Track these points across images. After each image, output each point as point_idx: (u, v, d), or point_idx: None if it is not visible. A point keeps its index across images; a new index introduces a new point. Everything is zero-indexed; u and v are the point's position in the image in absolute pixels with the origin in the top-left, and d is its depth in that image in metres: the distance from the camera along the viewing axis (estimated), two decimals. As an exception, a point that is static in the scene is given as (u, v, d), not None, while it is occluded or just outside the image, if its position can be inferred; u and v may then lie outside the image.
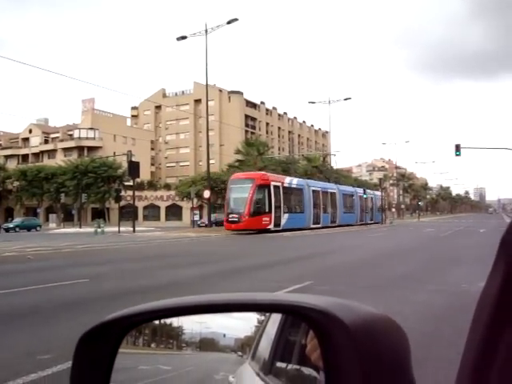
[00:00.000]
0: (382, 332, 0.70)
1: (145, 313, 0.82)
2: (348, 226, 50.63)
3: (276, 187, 39.64)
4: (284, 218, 40.17)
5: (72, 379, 0.77)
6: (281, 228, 39.18)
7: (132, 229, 45.67)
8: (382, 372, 0.65)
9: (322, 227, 45.88)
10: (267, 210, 38.20)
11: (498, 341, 0.48)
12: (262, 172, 43.13)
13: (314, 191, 46.75)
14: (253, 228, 37.09)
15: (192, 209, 62.21)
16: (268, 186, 38.64)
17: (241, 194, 37.51)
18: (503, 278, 0.48)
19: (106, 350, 0.80)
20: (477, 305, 0.52)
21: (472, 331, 0.52)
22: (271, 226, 38.31)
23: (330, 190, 51.30)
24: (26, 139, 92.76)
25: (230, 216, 37.80)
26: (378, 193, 71.63)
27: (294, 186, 43.84)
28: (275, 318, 0.81)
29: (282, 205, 40.16)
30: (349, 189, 59.80)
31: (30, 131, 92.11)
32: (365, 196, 60.87)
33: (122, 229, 46.20)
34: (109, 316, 0.79)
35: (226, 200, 39.89)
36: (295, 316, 0.77)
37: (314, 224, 45.08)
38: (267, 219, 38.04)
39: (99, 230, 44.45)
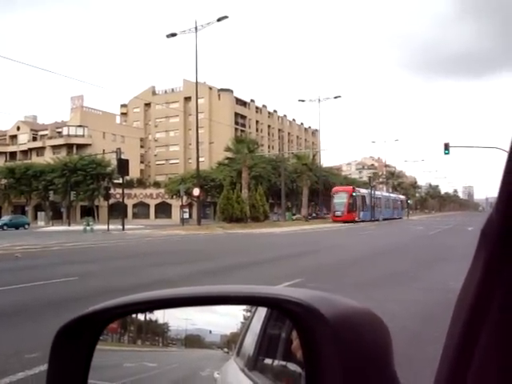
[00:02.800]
0: (363, 326, 0.69)
1: (123, 306, 0.80)
2: (387, 219, 71.11)
3: (358, 196, 63.82)
4: (361, 214, 63.60)
5: (49, 375, 0.75)
6: (359, 220, 61.24)
7: (121, 227, 45.50)
8: (363, 365, 0.65)
9: (374, 220, 65.34)
10: (354, 209, 61.84)
11: (478, 333, 0.48)
12: (351, 186, 68.70)
13: (371, 197, 69.54)
14: (347, 220, 58.10)
15: (181, 207, 62.05)
16: (351, 195, 62.29)
17: (341, 199, 61.44)
18: (483, 268, 0.49)
19: (84, 344, 0.78)
20: (458, 297, 0.53)
21: (452, 324, 0.53)
22: (356, 219, 60.78)
23: (378, 196, 74.68)
24: (14, 136, 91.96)
25: (336, 213, 61.42)
26: (402, 196, 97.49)
27: (364, 194, 68.12)
28: (260, 314, 0.80)
29: (360, 206, 64.32)
30: (386, 194, 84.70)
31: (18, 128, 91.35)
32: (393, 198, 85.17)
33: (111, 227, 45.98)
34: (87, 309, 0.78)
35: (332, 203, 63.59)
36: (274, 309, 0.76)
37: (371, 218, 65.68)
38: (354, 214, 61.11)
39: (88, 228, 44.23)
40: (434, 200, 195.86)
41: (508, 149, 0.46)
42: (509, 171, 0.47)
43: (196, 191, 47.50)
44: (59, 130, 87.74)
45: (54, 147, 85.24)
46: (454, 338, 0.51)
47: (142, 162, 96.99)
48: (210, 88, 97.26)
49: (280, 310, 0.74)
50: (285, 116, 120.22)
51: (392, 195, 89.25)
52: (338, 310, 0.69)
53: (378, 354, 0.67)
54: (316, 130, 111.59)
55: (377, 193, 75.61)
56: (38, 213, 74.02)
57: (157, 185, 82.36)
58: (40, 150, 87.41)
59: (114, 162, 55.17)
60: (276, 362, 0.77)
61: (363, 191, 69.07)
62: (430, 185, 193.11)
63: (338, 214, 60.83)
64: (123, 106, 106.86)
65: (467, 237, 26.63)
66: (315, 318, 0.66)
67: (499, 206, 0.48)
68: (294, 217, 75.33)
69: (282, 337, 0.77)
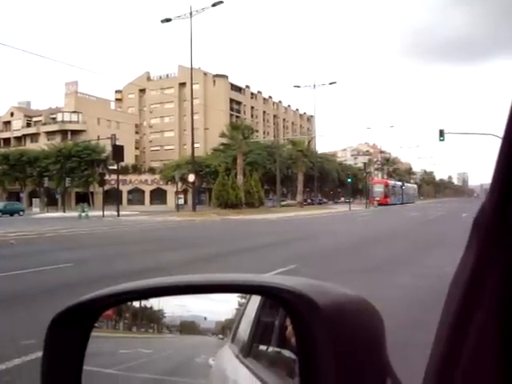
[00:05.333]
0: (356, 313, 0.69)
1: (118, 294, 0.80)
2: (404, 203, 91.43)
3: (389, 185, 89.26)
4: (390, 199, 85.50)
5: (44, 362, 0.75)
6: (391, 203, 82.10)
7: (116, 213, 45.48)
8: (355, 353, 0.65)
9: (395, 204, 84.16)
10: (387, 195, 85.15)
11: (469, 323, 0.49)
12: (385, 179, 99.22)
13: (397, 186, 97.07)
14: (382, 203, 78.09)
15: (176, 193, 62.01)
16: (388, 185, 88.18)
17: (379, 188, 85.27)
18: (476, 257, 0.49)
19: (79, 331, 0.78)
20: (449, 286, 0.53)
21: (444, 314, 0.53)
22: (389, 202, 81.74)
23: (399, 185, 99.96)
24: (8, 122, 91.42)
25: (375, 198, 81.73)
26: (414, 185, 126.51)
27: (392, 185, 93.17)
28: (255, 301, 0.80)
29: (390, 193, 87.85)
30: (408, 184, 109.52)
31: (12, 114, 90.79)
32: (405, 186, 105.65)
33: (106, 213, 45.92)
34: (81, 298, 0.78)
35: (372, 191, 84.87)
36: (267, 297, 0.77)
37: (398, 202, 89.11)
38: (388, 200, 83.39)
39: (83, 214, 44.19)
40: (429, 186, 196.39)
41: (501, 137, 0.45)
42: (501, 161, 0.47)
43: (191, 177, 47.44)
44: (53, 116, 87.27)
45: (48, 133, 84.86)
46: (446, 328, 0.51)
47: (136, 148, 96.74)
48: (205, 74, 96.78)
49: (273, 298, 0.74)
50: (280, 102, 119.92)
51: (409, 185, 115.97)
52: (331, 298, 0.69)
53: (371, 342, 0.67)
54: (311, 116, 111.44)
55: (399, 183, 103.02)
56: (33, 199, 73.76)
57: (152, 171, 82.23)
58: (34, 136, 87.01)
59: (109, 148, 54.96)
60: (270, 349, 0.78)
61: (392, 183, 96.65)
62: (425, 171, 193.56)
63: (377, 198, 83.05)
64: (118, 91, 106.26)
65: (461, 223, 26.73)
66: (308, 305, 0.66)
67: (491, 195, 0.49)
68: (288, 203, 75.43)
69: (276, 324, 0.77)
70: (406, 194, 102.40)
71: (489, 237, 0.49)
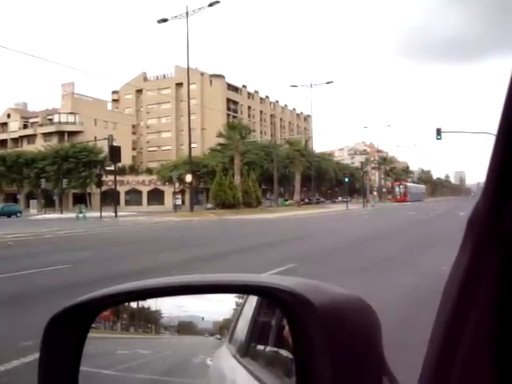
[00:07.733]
0: (352, 313, 0.69)
1: (115, 295, 0.80)
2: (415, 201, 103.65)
3: (407, 186, 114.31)
4: (408, 197, 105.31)
5: (41, 363, 0.75)
6: (408, 201, 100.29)
7: (114, 214, 45.44)
8: (352, 352, 0.65)
9: (413, 201, 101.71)
10: (406, 195, 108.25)
11: (464, 323, 0.49)
12: (404, 181, 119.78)
13: (412, 187, 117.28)
14: (402, 201, 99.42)
15: (174, 193, 61.99)
16: (406, 186, 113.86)
17: (399, 189, 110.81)
18: (470, 257, 0.50)
19: (75, 332, 0.78)
20: (444, 286, 0.53)
21: (439, 314, 0.53)
22: (407, 200, 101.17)
23: (415, 186, 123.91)
24: (5, 124, 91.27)
25: (397, 197, 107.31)
26: (423, 186, 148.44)
27: (409, 186, 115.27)
28: (252, 301, 0.81)
29: (408, 192, 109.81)
30: (419, 186, 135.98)
31: (9, 116, 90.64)
32: (416, 187, 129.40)
33: (103, 214, 45.93)
34: (78, 299, 0.77)
35: (394, 190, 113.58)
36: (264, 297, 0.77)
37: (411, 200, 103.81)
38: (407, 198, 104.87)
39: (81, 215, 44.13)
40: (426, 185, 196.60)
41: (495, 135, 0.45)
42: (495, 160, 0.47)
43: (188, 177, 47.43)
44: (50, 117, 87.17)
45: (45, 135, 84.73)
46: (441, 326, 0.52)
47: (133, 149, 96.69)
48: (202, 74, 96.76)
49: (269, 298, 0.74)
50: (277, 102, 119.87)
51: (419, 186, 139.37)
52: (327, 297, 0.69)
53: (367, 341, 0.67)
54: (308, 116, 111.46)
55: (414, 185, 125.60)
56: (31, 201, 73.67)
57: (149, 171, 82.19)
58: (31, 138, 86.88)
59: (106, 149, 54.89)
60: (268, 349, 0.78)
61: (410, 184, 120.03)
62: (422, 170, 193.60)
63: (398, 197, 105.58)
64: (114, 92, 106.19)
65: (458, 222, 26.69)
66: (304, 305, 0.66)
67: (485, 194, 0.49)
68: (287, 202, 75.49)
69: (273, 324, 0.77)
70: (417, 193, 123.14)
71: (483, 236, 0.49)
